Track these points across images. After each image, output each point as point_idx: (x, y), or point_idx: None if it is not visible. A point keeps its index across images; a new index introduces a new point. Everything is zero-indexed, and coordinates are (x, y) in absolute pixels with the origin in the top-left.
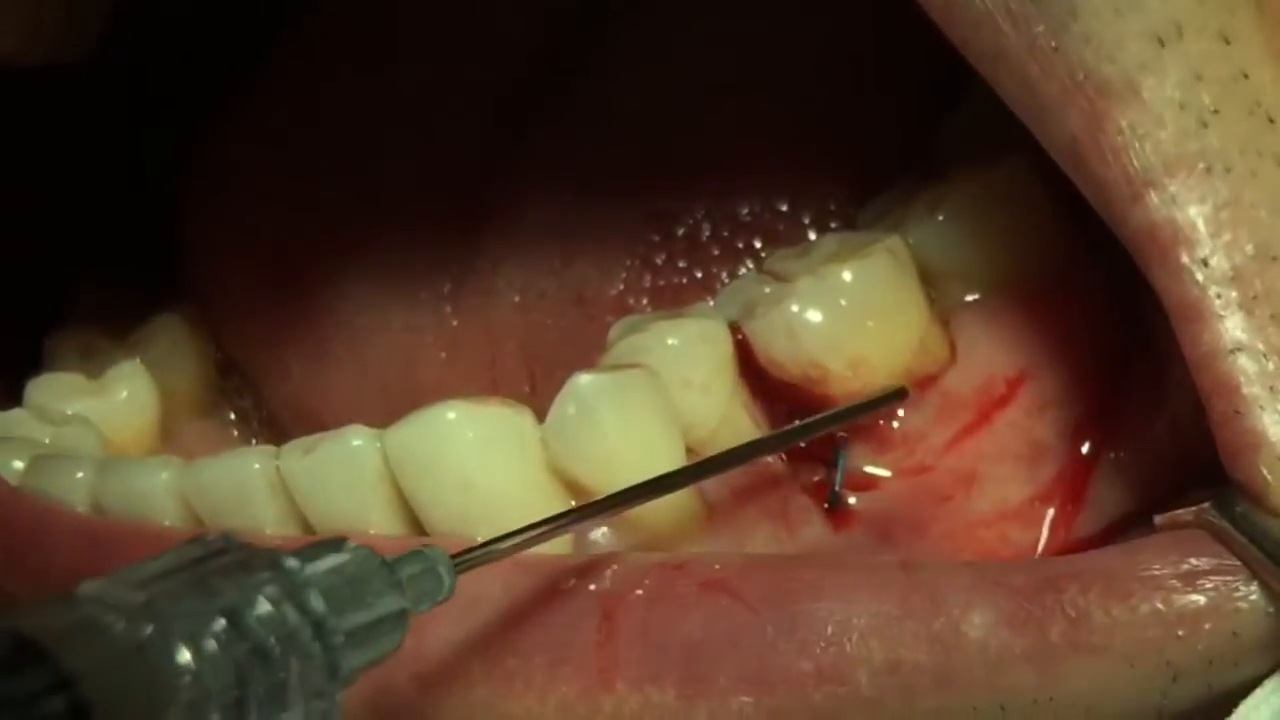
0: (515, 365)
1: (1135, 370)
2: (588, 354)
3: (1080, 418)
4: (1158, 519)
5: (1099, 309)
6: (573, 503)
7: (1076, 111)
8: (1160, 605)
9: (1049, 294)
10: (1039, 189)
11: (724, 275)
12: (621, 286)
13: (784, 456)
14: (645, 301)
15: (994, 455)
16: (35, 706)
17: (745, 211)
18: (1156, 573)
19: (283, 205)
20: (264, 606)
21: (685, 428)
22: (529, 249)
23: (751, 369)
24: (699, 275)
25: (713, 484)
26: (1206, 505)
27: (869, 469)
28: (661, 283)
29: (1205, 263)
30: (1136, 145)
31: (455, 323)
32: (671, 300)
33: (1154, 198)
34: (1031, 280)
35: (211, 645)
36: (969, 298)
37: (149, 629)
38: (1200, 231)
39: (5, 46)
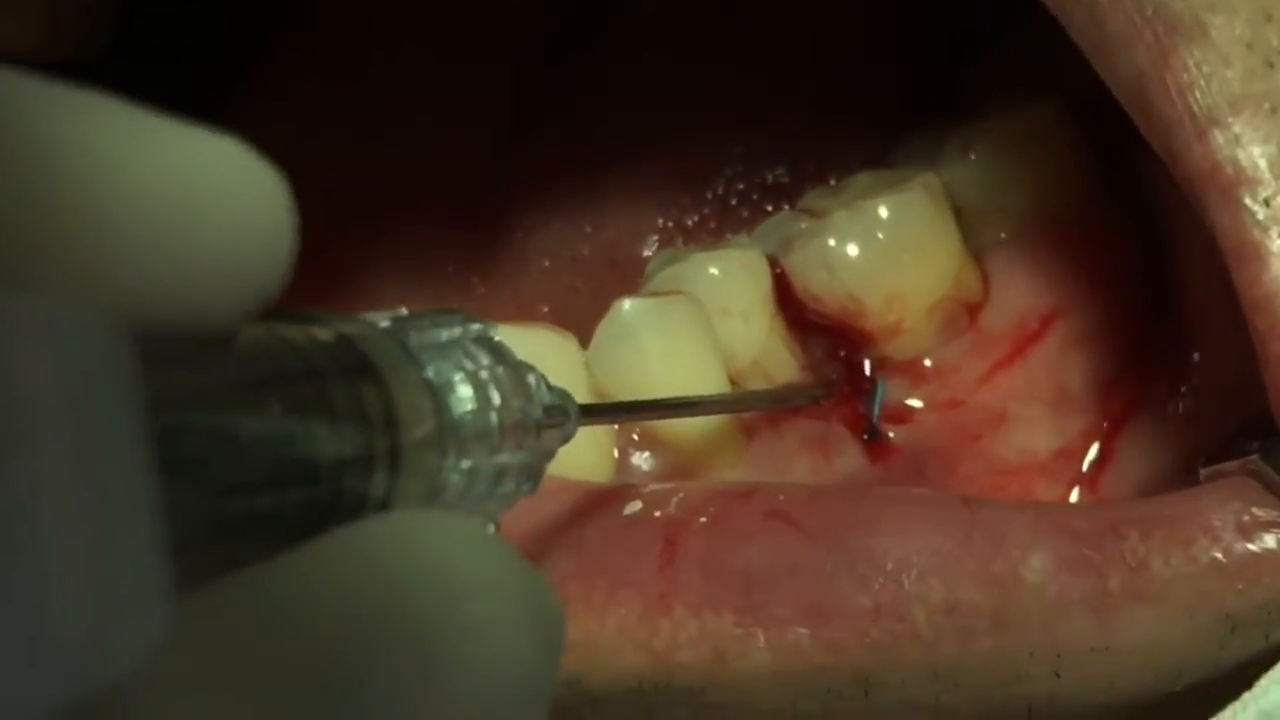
0: None
1: (1163, 332)
2: None
3: (1110, 370)
4: (1203, 471)
5: (1128, 254)
6: (615, 428)
7: (1144, 47)
8: (1221, 556)
9: (1079, 235)
10: (1070, 131)
11: None
12: (654, 250)
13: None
14: None
15: (1025, 394)
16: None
17: (774, 174)
18: (1218, 523)
19: (300, 196)
20: (484, 356)
21: (726, 356)
22: (560, 216)
23: (789, 303)
24: (729, 238)
25: (751, 412)
26: (1253, 456)
27: (906, 401)
28: (693, 245)
29: (1267, 203)
30: (1202, 83)
31: (483, 290)
32: None
33: (1217, 137)
34: (1062, 220)
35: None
36: (1002, 236)
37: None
38: (1262, 171)
39: (27, 44)
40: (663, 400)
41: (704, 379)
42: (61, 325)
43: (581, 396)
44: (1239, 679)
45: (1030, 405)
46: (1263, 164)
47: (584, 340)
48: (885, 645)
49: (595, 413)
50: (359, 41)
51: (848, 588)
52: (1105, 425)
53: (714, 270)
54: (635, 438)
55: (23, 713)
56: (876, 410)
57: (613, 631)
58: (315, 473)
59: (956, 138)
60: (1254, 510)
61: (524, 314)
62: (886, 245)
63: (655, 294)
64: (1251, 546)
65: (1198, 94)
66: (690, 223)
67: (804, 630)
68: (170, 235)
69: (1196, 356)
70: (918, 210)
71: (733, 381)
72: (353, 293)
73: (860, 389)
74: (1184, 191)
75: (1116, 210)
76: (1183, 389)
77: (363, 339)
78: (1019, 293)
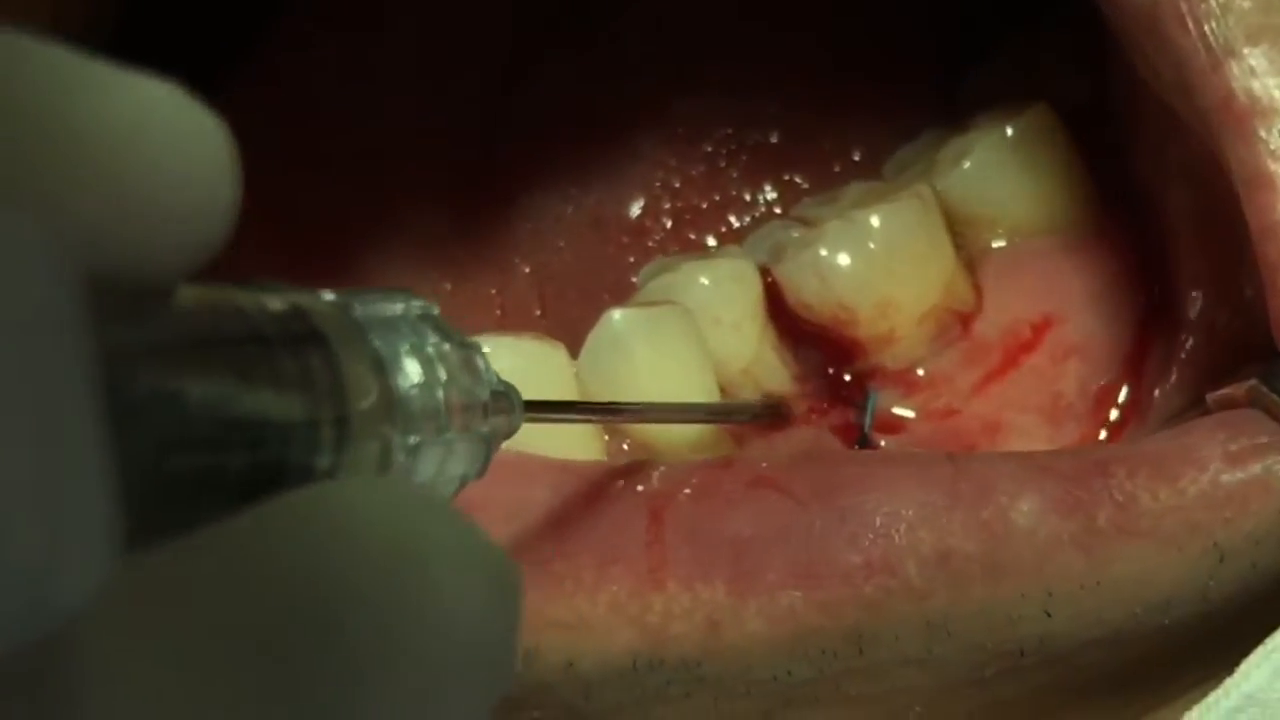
0: (525, 290)
1: (1158, 338)
2: (602, 275)
3: (1104, 377)
4: (1209, 397)
5: (1121, 261)
6: (606, 437)
7: None
8: (1207, 487)
9: (1072, 242)
10: (1064, 138)
11: (745, 196)
12: (639, 210)
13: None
14: (667, 223)
15: (1018, 403)
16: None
17: (765, 139)
18: (1203, 455)
19: (294, 161)
20: (431, 333)
21: (716, 365)
22: (544, 176)
23: (781, 312)
24: (717, 199)
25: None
26: (1254, 382)
27: (897, 410)
28: (680, 204)
29: None
30: (1219, 14)
31: (464, 251)
32: (690, 223)
33: (1233, 68)
34: (1055, 228)
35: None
36: (995, 244)
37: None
38: (1277, 102)
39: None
40: (616, 404)
41: (694, 389)
42: (8, 241)
43: None
44: (1225, 614)
45: (1024, 414)
46: (1278, 95)
47: (567, 305)
48: (878, 600)
49: (543, 409)
50: (355, 24)
51: (838, 546)
52: (1101, 433)
53: (704, 280)
54: (625, 447)
55: None
56: (868, 420)
57: (605, 609)
58: (260, 437)
59: (950, 146)
60: (1241, 440)
61: (505, 275)
62: (878, 255)
63: (646, 304)
64: (1239, 474)
65: (1214, 24)
66: (676, 184)
67: (797, 593)
68: (110, 176)
69: (1195, 362)
70: (910, 220)
71: (723, 391)
72: (340, 253)
73: (850, 399)
74: (1195, 126)
75: (1109, 217)
76: (1179, 395)
77: (312, 310)
78: (1012, 301)
